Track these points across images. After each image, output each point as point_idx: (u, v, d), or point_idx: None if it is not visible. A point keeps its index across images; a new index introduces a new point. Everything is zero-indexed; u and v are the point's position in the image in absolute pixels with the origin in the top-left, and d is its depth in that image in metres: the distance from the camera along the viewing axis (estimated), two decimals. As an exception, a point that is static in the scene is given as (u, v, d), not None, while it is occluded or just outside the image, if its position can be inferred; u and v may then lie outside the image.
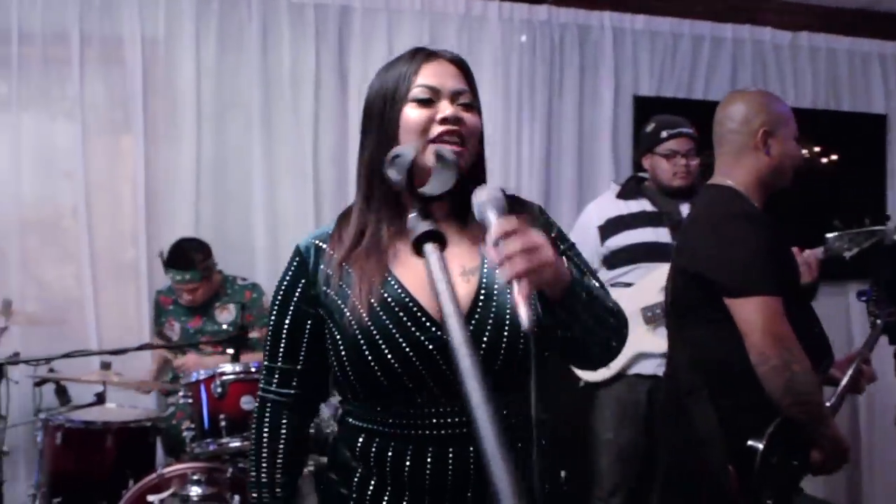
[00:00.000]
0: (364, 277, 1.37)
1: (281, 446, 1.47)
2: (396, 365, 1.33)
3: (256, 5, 4.14)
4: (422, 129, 1.37)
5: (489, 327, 1.36)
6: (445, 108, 1.38)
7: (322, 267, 1.45)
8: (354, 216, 1.46)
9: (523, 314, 1.07)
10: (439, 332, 1.33)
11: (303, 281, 1.46)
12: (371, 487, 1.39)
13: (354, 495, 1.41)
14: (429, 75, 1.41)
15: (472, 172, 1.44)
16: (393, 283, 1.38)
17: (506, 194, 1.51)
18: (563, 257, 1.37)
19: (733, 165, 2.21)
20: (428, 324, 1.35)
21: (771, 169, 2.17)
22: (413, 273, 1.37)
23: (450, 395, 1.33)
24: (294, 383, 1.48)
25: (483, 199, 1.19)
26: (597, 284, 1.43)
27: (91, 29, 4.00)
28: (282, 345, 1.47)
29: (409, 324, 1.34)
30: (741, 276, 2.00)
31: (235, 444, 2.90)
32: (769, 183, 2.20)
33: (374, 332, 1.34)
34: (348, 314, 1.37)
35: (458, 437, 1.34)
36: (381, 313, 1.35)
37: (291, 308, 1.46)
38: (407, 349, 1.33)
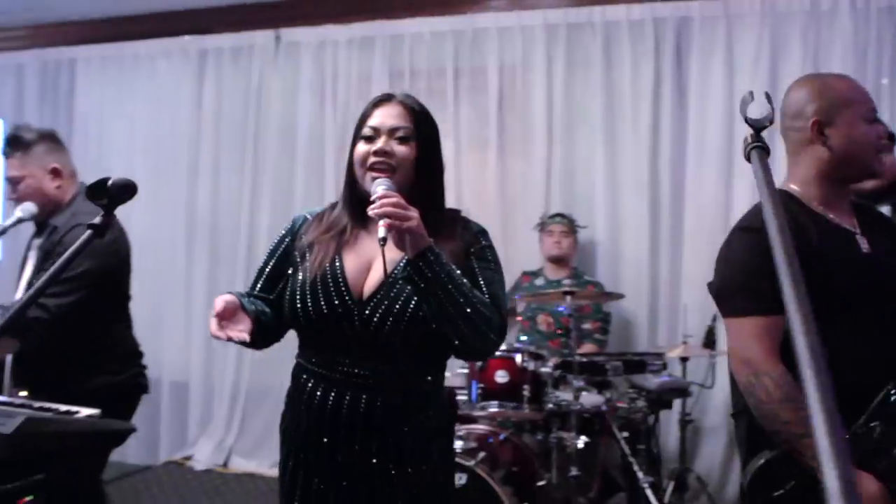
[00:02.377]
0: (320, 253, 1.87)
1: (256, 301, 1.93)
2: (314, 317, 1.80)
3: (599, 26, 4.67)
4: (363, 161, 1.84)
5: (382, 309, 1.77)
6: (378, 143, 1.82)
7: (301, 233, 1.95)
8: (336, 210, 1.96)
9: (382, 231, 1.61)
10: (351, 304, 1.79)
11: (287, 239, 1.97)
12: (293, 410, 1.89)
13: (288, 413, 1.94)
14: (376, 117, 1.86)
15: (420, 195, 1.82)
16: (337, 263, 1.85)
17: (448, 211, 1.95)
18: (472, 261, 1.84)
19: (793, 164, 2.01)
20: (346, 295, 1.80)
21: (834, 162, 1.94)
22: (356, 259, 1.86)
23: (343, 349, 1.80)
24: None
25: (377, 182, 1.75)
26: (477, 294, 1.75)
27: (462, 63, 4.93)
28: (262, 280, 1.97)
29: (332, 292, 1.80)
30: (720, 296, 1.95)
31: (492, 409, 3.53)
32: (835, 177, 1.96)
33: (308, 291, 1.82)
34: (300, 275, 1.86)
35: (351, 385, 1.79)
36: (318, 280, 1.83)
37: (276, 256, 1.97)
38: (324, 308, 1.80)
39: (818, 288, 1.77)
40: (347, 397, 1.79)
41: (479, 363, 3.56)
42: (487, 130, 4.90)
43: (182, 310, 5.50)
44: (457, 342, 1.76)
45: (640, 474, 3.50)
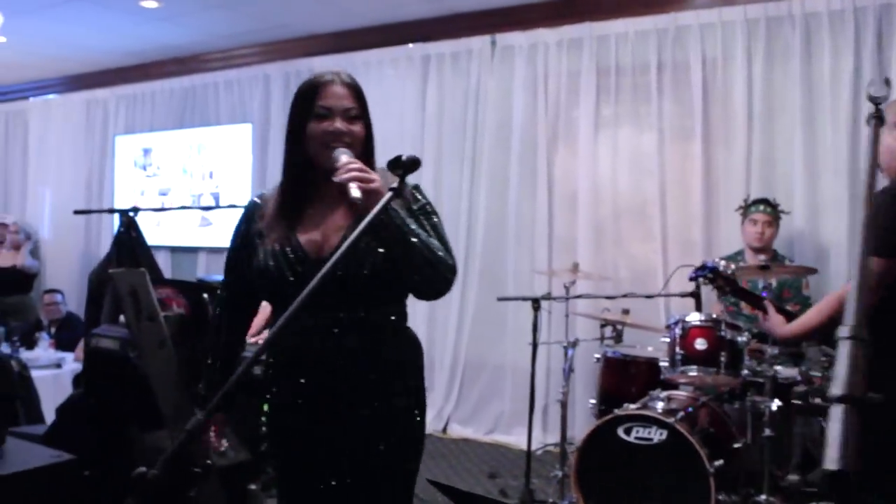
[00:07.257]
0: (273, 234, 2.16)
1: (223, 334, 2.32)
2: (277, 279, 2.11)
3: (799, 19, 5.21)
4: (321, 138, 2.09)
5: (341, 264, 1.91)
6: (336, 124, 2.09)
7: (256, 216, 2.24)
8: (278, 191, 2.22)
9: (356, 192, 1.89)
10: (306, 264, 2.09)
11: (243, 227, 2.28)
12: (278, 372, 2.18)
13: (273, 388, 2.19)
14: (326, 97, 2.11)
15: (367, 164, 2.06)
16: (293, 238, 2.14)
17: (380, 171, 2.15)
18: (416, 216, 2.12)
19: None
20: (303, 258, 2.11)
21: None
22: (308, 231, 2.15)
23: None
24: (231, 291, 2.35)
25: (338, 151, 2.04)
26: (434, 241, 2.06)
27: (665, 59, 5.64)
28: (232, 273, 2.31)
29: (291, 257, 2.11)
30: None
31: (692, 373, 4.11)
32: None
33: (272, 261, 2.12)
34: (260, 253, 2.15)
35: (321, 333, 2.08)
36: (278, 251, 2.12)
37: (235, 248, 2.29)
38: (286, 272, 2.11)
39: None
40: (328, 343, 2.10)
41: (678, 332, 4.21)
42: (691, 121, 5.56)
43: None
44: (418, 283, 2.09)
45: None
